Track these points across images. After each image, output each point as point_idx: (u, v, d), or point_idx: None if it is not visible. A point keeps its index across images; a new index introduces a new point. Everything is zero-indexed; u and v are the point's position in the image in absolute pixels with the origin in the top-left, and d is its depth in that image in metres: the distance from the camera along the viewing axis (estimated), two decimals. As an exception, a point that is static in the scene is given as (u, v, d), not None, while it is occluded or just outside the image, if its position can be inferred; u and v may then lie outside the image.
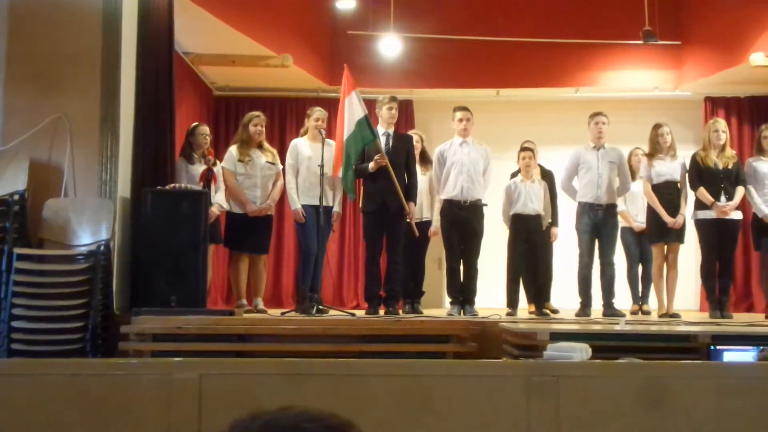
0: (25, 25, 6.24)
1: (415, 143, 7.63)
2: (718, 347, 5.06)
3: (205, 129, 7.33)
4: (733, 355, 4.99)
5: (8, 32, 6.21)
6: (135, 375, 4.00)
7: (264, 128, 7.32)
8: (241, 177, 7.13)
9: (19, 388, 3.92)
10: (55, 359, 4.95)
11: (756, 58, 8.62)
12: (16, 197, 5.77)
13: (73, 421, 3.88)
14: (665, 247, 7.37)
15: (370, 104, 7.36)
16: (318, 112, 7.31)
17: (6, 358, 5.33)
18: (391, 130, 7.16)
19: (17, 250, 5.58)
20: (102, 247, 5.75)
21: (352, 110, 6.95)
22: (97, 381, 3.99)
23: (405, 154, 7.10)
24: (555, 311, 7.59)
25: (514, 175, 7.77)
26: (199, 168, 6.94)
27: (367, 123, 6.91)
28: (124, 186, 6.28)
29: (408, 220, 6.99)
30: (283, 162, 7.36)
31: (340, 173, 6.93)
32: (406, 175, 7.06)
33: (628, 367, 4.22)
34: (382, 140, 7.05)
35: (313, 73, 9.55)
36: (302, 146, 7.24)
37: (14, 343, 5.40)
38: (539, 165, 8.10)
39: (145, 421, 3.91)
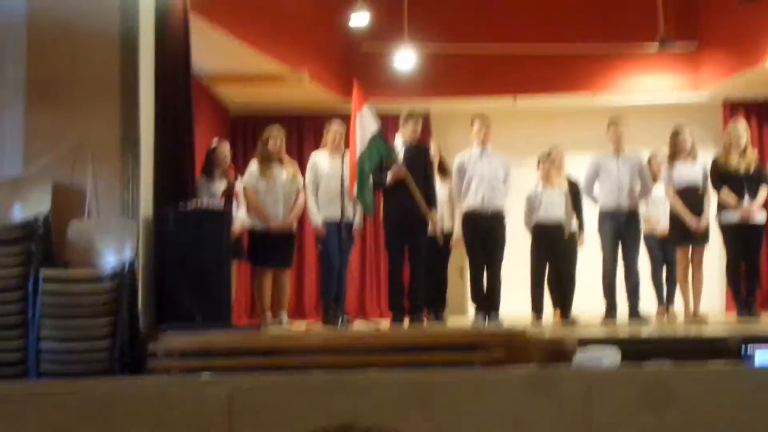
0: (44, 50, 6.28)
1: (433, 153, 7.65)
2: (749, 349, 5.00)
3: (226, 147, 7.35)
4: (766, 356, 4.93)
5: (28, 57, 6.24)
6: (166, 392, 4.02)
7: (284, 142, 7.33)
8: (263, 193, 7.14)
9: (50, 408, 3.94)
10: (85, 379, 4.97)
11: (773, 60, 8.57)
12: (41, 220, 5.80)
13: (104, 441, 3.89)
14: (690, 249, 7.31)
15: (388, 118, 7.38)
16: (336, 126, 7.33)
17: (36, 378, 5.36)
18: (408, 144, 7.17)
19: (43, 272, 5.60)
20: (126, 267, 5.74)
21: (364, 126, 6.95)
22: (128, 399, 4.01)
23: (422, 165, 7.10)
24: (576, 318, 7.52)
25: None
26: (221, 185, 6.96)
27: (381, 137, 6.92)
28: (146, 206, 6.30)
29: (432, 231, 6.98)
30: (303, 176, 7.38)
31: (355, 191, 6.91)
32: (425, 185, 7.05)
33: (660, 372, 4.19)
34: (400, 152, 7.06)
35: (329, 88, 9.57)
36: (321, 161, 7.26)
37: (43, 364, 5.41)
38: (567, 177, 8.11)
39: (176, 438, 3.92)
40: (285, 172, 7.26)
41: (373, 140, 6.88)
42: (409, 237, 6.96)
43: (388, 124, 7.93)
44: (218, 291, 6.11)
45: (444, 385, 3.95)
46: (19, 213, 5.88)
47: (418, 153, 7.17)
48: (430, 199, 7.05)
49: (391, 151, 6.93)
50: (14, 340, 5.46)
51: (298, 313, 9.30)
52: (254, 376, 4.39)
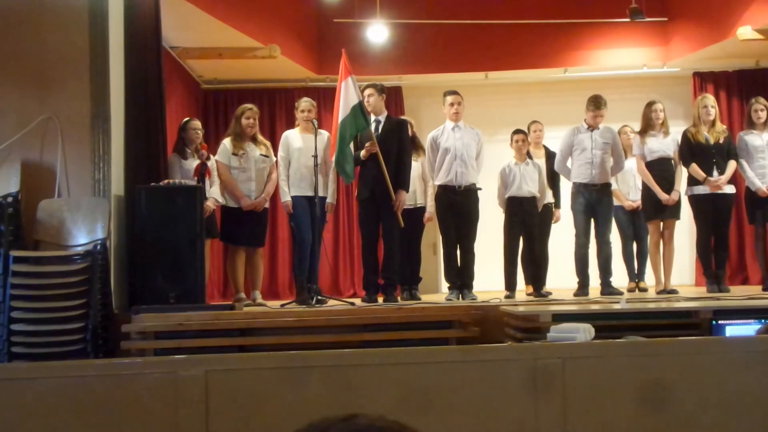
0: (11, 25, 6.18)
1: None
2: (720, 322, 5.08)
3: (197, 123, 7.27)
4: (735, 329, 5.01)
5: (-7, 33, 6.15)
6: (140, 374, 3.98)
7: (257, 121, 7.27)
8: (236, 170, 7.08)
9: (22, 393, 3.89)
10: (58, 362, 4.93)
11: (743, 31, 8.61)
12: (10, 199, 5.73)
13: (78, 424, 3.86)
14: (661, 223, 7.39)
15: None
16: (305, 103, 7.26)
17: (7, 361, 5.31)
18: (382, 117, 7.12)
19: (13, 253, 5.55)
20: (98, 247, 5.72)
21: (348, 95, 6.96)
22: (102, 381, 3.96)
23: (396, 140, 7.05)
24: (548, 293, 7.58)
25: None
26: (193, 163, 6.90)
27: (361, 110, 6.90)
28: (117, 184, 6.24)
29: (395, 210, 6.93)
30: (276, 154, 7.33)
31: (334, 157, 6.91)
32: (396, 162, 7.00)
33: (633, 346, 4.23)
34: (373, 127, 7.03)
35: (301, 62, 9.50)
36: (293, 138, 7.21)
37: (15, 347, 5.38)
38: (544, 146, 8.14)
39: (151, 420, 3.89)
40: (258, 150, 7.21)
41: (353, 111, 6.89)
42: (382, 214, 6.94)
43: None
44: (191, 270, 6.08)
45: (418, 365, 3.95)
46: (-13, 193, 5.80)
47: (392, 127, 7.11)
48: (400, 176, 6.99)
49: (367, 124, 6.90)
50: (-15, 323, 5.41)
51: (271, 293, 9.28)
52: (230, 356, 4.37)
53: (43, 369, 4.27)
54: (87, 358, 5.33)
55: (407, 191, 7.09)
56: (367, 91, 7.09)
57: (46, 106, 6.07)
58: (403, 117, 8.26)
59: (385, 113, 7.19)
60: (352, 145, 7.05)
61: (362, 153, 6.87)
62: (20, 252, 5.62)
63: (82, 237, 5.82)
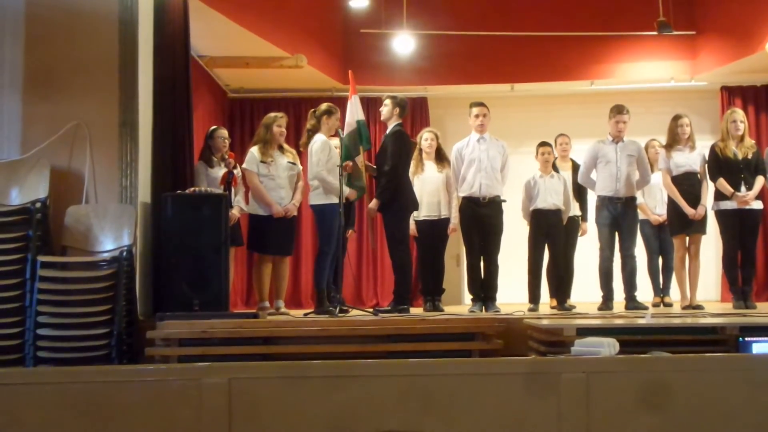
0: (42, 33, 6.25)
1: (430, 141, 7.64)
2: (746, 339, 5.02)
3: (224, 132, 7.31)
4: (763, 346, 4.96)
5: (25, 41, 6.22)
6: (164, 381, 4.01)
7: (284, 129, 7.30)
8: (264, 178, 7.07)
9: (47, 397, 3.93)
10: (84, 367, 4.97)
11: (771, 45, 8.56)
12: (38, 205, 5.79)
13: (102, 429, 3.89)
14: (687, 238, 7.32)
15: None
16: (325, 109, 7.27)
17: (32, 365, 5.36)
18: (390, 128, 7.18)
19: (41, 258, 5.60)
20: (124, 253, 5.76)
21: (352, 113, 7.20)
22: (127, 387, 4.00)
23: (383, 150, 7.11)
24: (572, 307, 7.53)
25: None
26: (219, 171, 6.93)
27: (364, 126, 7.15)
28: (144, 191, 6.29)
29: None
30: (302, 162, 7.36)
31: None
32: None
33: (658, 362, 4.20)
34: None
35: (327, 72, 9.54)
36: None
37: (40, 351, 5.42)
38: (571, 159, 8.12)
39: (175, 427, 3.92)
40: (286, 158, 7.22)
41: (358, 127, 7.07)
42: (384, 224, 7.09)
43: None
44: (216, 278, 6.10)
45: (442, 377, 3.95)
46: (16, 197, 5.87)
47: (390, 136, 7.15)
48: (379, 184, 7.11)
49: (368, 143, 7.09)
50: (12, 328, 5.46)
51: (293, 301, 9.29)
52: (253, 365, 4.39)
53: (68, 374, 4.33)
54: (111, 364, 5.36)
55: (380, 201, 6.98)
56: (385, 101, 7.19)
57: (75, 113, 6.13)
58: (428, 129, 8.17)
59: (393, 125, 7.18)
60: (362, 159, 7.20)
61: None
62: (47, 257, 5.67)
63: (108, 243, 5.87)
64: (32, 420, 3.88)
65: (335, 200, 6.86)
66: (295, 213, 7.28)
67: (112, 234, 5.89)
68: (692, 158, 7.30)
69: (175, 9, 6.82)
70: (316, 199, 7.00)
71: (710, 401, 3.91)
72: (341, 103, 9.19)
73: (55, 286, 5.57)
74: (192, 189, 6.47)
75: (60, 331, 5.44)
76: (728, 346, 5.17)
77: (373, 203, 7.01)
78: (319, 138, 7.02)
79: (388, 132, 7.17)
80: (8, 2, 6.21)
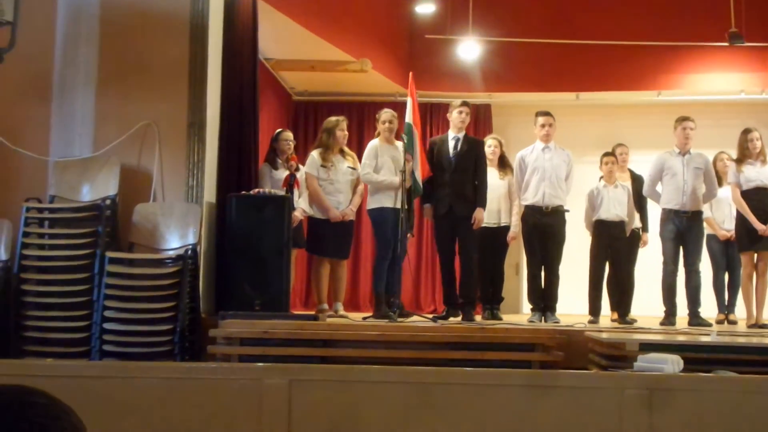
0: (116, 33, 6.39)
1: (494, 148, 7.61)
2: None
3: (289, 135, 7.38)
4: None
5: (99, 41, 6.37)
6: (226, 379, 4.07)
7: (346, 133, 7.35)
8: (324, 182, 7.13)
9: (112, 390, 4.01)
10: (151, 362, 5.07)
11: None
12: (108, 202, 5.93)
13: (163, 424, 3.96)
14: (755, 255, 7.16)
15: (445, 108, 7.39)
16: (385, 114, 7.28)
17: (98, 359, 5.48)
18: (461, 134, 7.14)
19: (109, 254, 5.73)
20: (189, 251, 5.85)
21: (408, 115, 7.14)
22: (191, 384, 4.07)
23: (474, 158, 7.07)
24: (633, 320, 7.42)
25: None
26: (283, 173, 7.00)
27: (410, 130, 7.01)
28: (210, 191, 6.39)
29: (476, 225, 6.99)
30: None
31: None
32: (475, 180, 7.05)
33: (724, 382, 4.11)
34: (451, 144, 7.11)
35: (391, 77, 9.56)
36: (380, 149, 7.22)
37: (106, 345, 5.54)
38: (629, 169, 8.00)
39: (234, 426, 3.97)
40: (346, 162, 7.27)
41: (406, 130, 7.03)
42: (458, 232, 6.98)
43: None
44: (277, 279, 6.17)
45: (502, 387, 3.92)
46: (87, 194, 6.01)
47: (470, 145, 7.13)
48: (479, 194, 7.02)
49: (411, 146, 6.99)
50: (80, 321, 5.60)
51: (352, 305, 9.33)
52: (314, 367, 4.42)
53: (132, 369, 4.42)
54: (174, 360, 5.46)
55: (484, 209, 7.05)
56: (463, 109, 7.18)
57: (146, 112, 6.26)
58: (491, 135, 8.16)
59: (464, 132, 7.19)
60: (420, 160, 7.07)
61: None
62: (115, 253, 5.80)
63: (174, 241, 5.97)
64: (95, 412, 3.96)
65: (389, 204, 6.89)
66: (353, 217, 7.32)
67: (178, 232, 6.00)
68: (763, 173, 7.13)
69: (244, 11, 6.92)
70: (372, 203, 7.06)
71: (777, 424, 3.82)
72: (404, 108, 9.22)
73: (122, 281, 5.69)
74: (256, 190, 6.56)
75: (125, 326, 5.56)
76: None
77: (481, 212, 7.00)
78: (369, 143, 7.11)
79: (463, 138, 7.14)
80: (84, 5, 6.37)
